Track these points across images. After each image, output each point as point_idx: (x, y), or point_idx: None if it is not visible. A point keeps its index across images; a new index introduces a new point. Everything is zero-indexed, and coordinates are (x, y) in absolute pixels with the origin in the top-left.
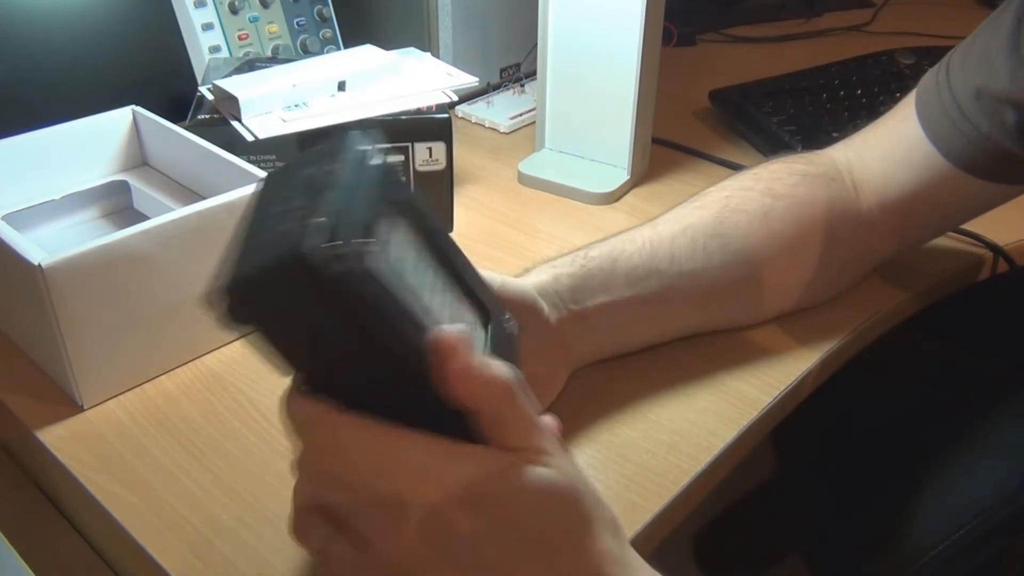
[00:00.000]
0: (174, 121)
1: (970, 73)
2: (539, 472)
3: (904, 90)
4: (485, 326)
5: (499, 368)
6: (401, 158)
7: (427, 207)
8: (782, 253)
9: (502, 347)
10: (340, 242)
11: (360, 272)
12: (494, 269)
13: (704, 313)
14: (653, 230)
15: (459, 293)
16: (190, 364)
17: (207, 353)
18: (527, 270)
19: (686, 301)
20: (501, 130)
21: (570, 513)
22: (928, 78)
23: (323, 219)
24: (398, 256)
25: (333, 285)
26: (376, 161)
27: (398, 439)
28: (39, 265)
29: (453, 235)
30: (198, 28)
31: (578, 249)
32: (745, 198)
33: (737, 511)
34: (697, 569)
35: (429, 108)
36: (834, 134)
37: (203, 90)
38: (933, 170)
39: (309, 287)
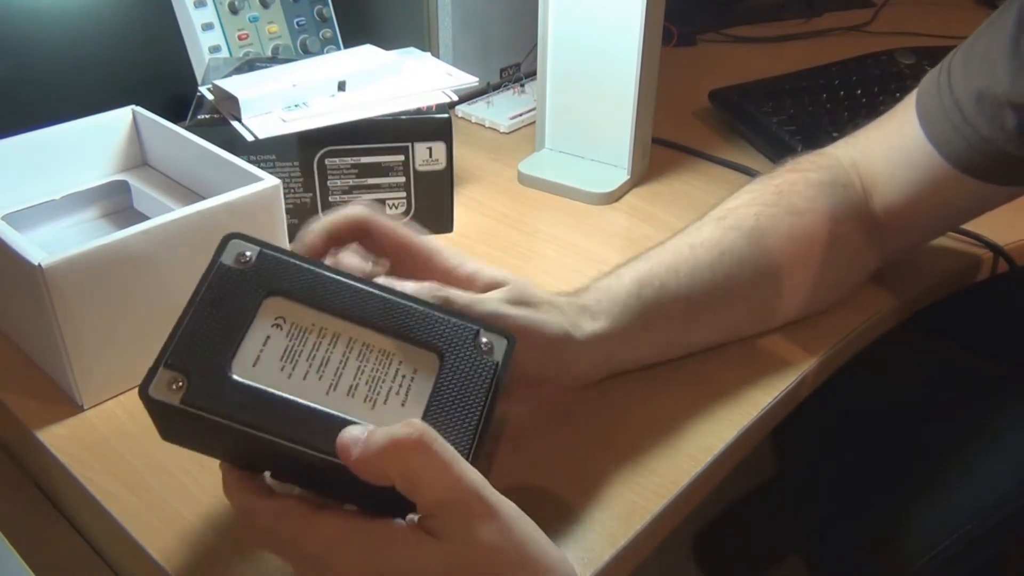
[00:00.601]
0: (174, 121)
1: (971, 76)
2: (430, 550)
3: (904, 90)
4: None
5: (394, 444)
6: (400, 158)
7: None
8: (807, 269)
9: (462, 380)
10: (154, 381)
11: (173, 407)
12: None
13: (732, 329)
14: (693, 255)
15: (390, 346)
16: None
17: None
18: (580, 291)
19: (719, 322)
20: (501, 130)
21: None
22: (928, 80)
23: (165, 357)
24: (274, 357)
25: (173, 415)
26: (235, 262)
27: (312, 523)
28: (39, 265)
29: (453, 235)
30: (198, 28)
31: (620, 266)
32: (772, 216)
33: (737, 511)
34: (697, 569)
35: (429, 108)
36: (834, 134)
37: (203, 90)
38: (934, 172)
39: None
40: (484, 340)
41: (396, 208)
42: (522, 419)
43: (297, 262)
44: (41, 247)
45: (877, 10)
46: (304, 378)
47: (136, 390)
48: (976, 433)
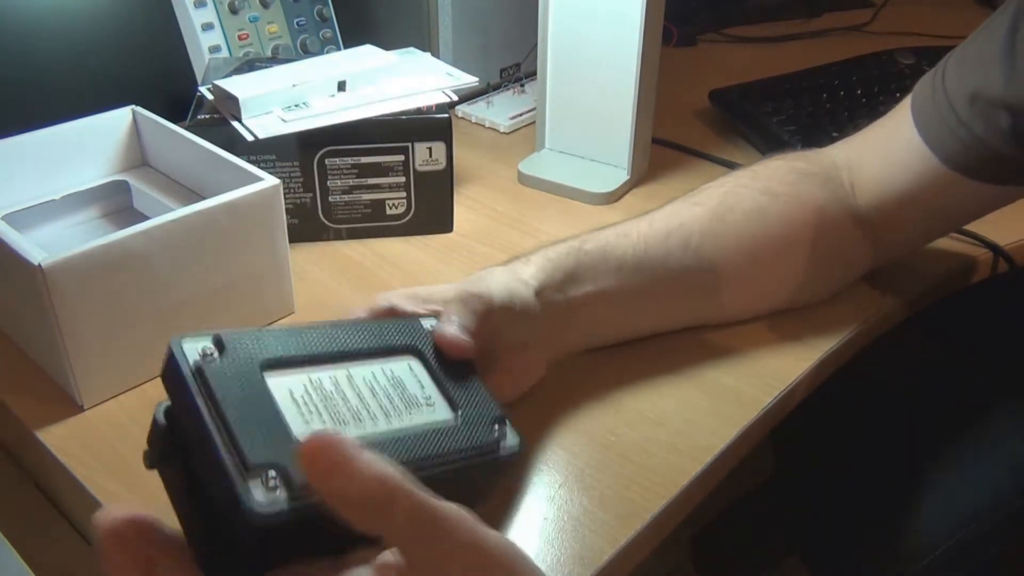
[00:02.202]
0: (174, 121)
1: (966, 77)
2: None
3: (904, 90)
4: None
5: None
6: (400, 158)
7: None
8: (775, 251)
9: (445, 362)
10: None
11: (285, 512)
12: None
13: (694, 309)
14: (649, 225)
15: (375, 365)
16: None
17: None
18: (527, 253)
19: (676, 296)
20: (501, 130)
21: None
22: (924, 82)
23: (243, 465)
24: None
25: (285, 523)
26: (204, 359)
27: None
28: (39, 265)
29: (453, 235)
30: (198, 28)
31: (573, 238)
32: (741, 195)
33: (735, 513)
34: (696, 571)
35: (429, 108)
36: (834, 134)
37: (203, 90)
38: (929, 174)
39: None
40: (425, 324)
41: (396, 208)
42: (504, 388)
43: (251, 332)
44: (41, 247)
45: (877, 10)
46: (344, 423)
47: (135, 390)
48: (975, 434)
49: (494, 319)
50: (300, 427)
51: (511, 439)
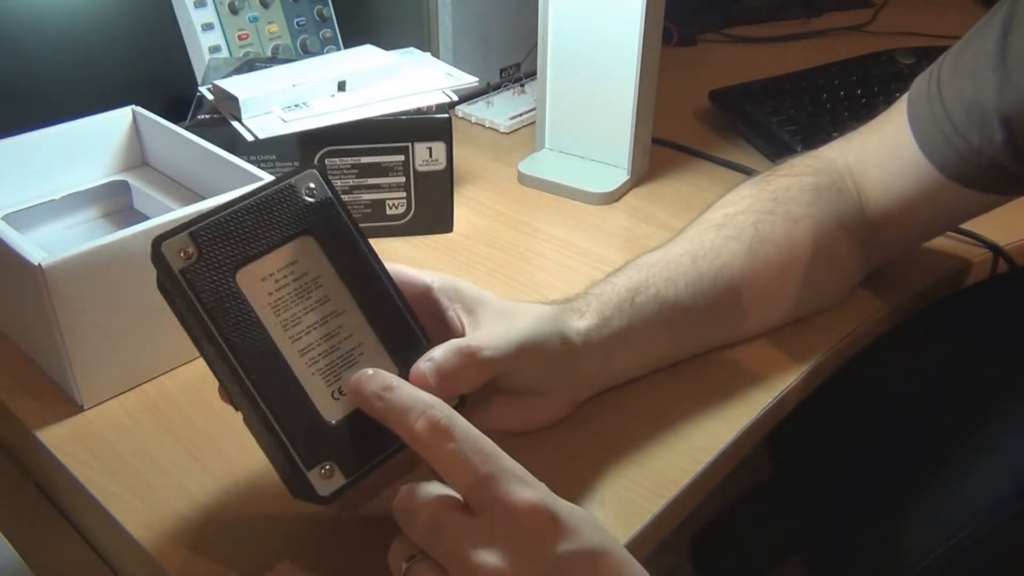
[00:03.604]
0: (174, 121)
1: (960, 86)
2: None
3: (904, 90)
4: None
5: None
6: (400, 158)
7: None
8: (803, 275)
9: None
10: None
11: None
12: (494, 269)
13: (726, 336)
14: (695, 267)
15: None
16: (190, 364)
17: None
18: (577, 297)
19: (715, 331)
20: (501, 130)
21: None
22: (919, 87)
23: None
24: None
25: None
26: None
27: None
28: (39, 265)
29: (453, 235)
30: (198, 28)
31: (621, 281)
32: (771, 224)
33: (736, 513)
34: (696, 571)
35: (429, 108)
36: (834, 134)
37: (203, 90)
38: (927, 181)
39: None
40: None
41: (396, 208)
42: (521, 422)
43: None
44: (41, 247)
45: (877, 10)
46: (281, 320)
47: (135, 390)
48: (975, 436)
49: (534, 369)
50: (258, 271)
51: None
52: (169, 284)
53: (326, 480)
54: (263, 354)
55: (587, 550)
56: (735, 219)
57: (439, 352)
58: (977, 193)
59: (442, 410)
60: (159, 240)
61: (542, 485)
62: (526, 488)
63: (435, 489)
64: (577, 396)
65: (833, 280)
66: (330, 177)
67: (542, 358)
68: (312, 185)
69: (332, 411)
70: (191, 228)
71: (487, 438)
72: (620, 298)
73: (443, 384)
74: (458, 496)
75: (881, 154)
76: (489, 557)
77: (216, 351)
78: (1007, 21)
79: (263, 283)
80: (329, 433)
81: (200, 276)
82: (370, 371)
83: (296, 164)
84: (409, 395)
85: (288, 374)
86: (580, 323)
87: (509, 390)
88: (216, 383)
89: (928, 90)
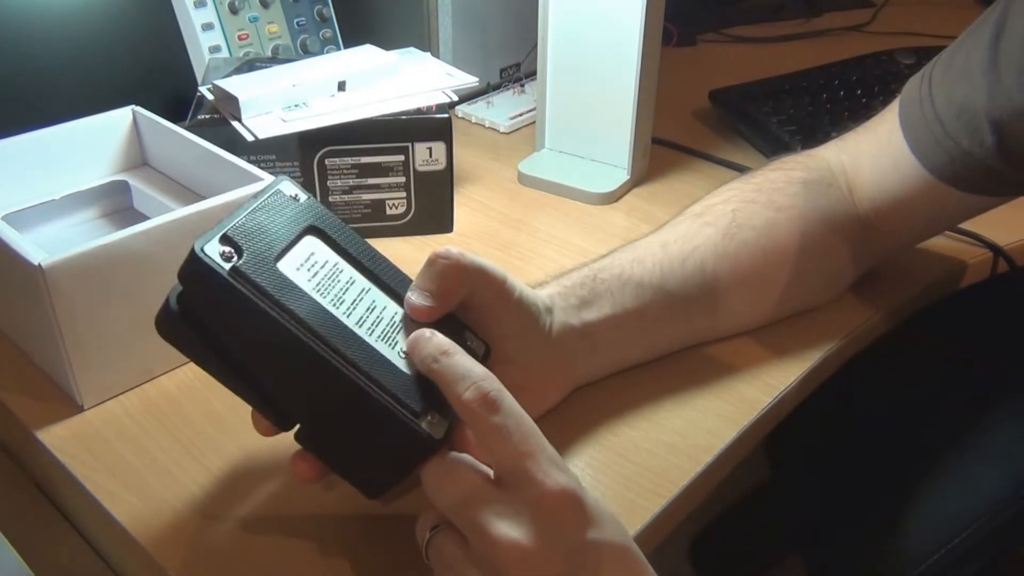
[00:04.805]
0: (174, 121)
1: (951, 89)
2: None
3: None
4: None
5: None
6: (400, 158)
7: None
8: (787, 265)
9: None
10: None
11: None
12: None
13: (710, 326)
14: (664, 250)
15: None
16: (190, 364)
17: None
18: (542, 283)
19: (693, 318)
20: (501, 130)
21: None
22: (911, 89)
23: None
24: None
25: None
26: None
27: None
28: (39, 265)
29: (453, 235)
30: (198, 28)
31: (588, 263)
32: (751, 212)
33: (735, 514)
34: (696, 571)
35: (429, 108)
36: (833, 134)
37: (203, 90)
38: (918, 182)
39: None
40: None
41: (396, 208)
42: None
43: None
44: (41, 247)
45: (877, 10)
46: (331, 299)
47: (135, 390)
48: (974, 438)
49: (468, 277)
50: (292, 261)
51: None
52: (212, 293)
53: (435, 426)
54: (337, 327)
55: (608, 542)
56: (714, 208)
57: (417, 279)
58: (967, 195)
59: (493, 384)
60: (196, 253)
61: (575, 474)
62: (560, 473)
63: (467, 460)
64: (563, 376)
65: (821, 275)
66: (330, 177)
67: (526, 314)
68: (294, 190)
69: (407, 368)
70: (217, 233)
71: (531, 420)
72: (583, 275)
73: (439, 296)
74: (489, 472)
75: (874, 153)
76: (512, 531)
77: (286, 341)
78: (999, 24)
79: (298, 272)
80: (418, 384)
81: (251, 270)
82: (427, 333)
83: (296, 164)
84: (463, 364)
85: (362, 341)
86: (543, 291)
87: (502, 358)
88: (215, 384)
89: (919, 92)
